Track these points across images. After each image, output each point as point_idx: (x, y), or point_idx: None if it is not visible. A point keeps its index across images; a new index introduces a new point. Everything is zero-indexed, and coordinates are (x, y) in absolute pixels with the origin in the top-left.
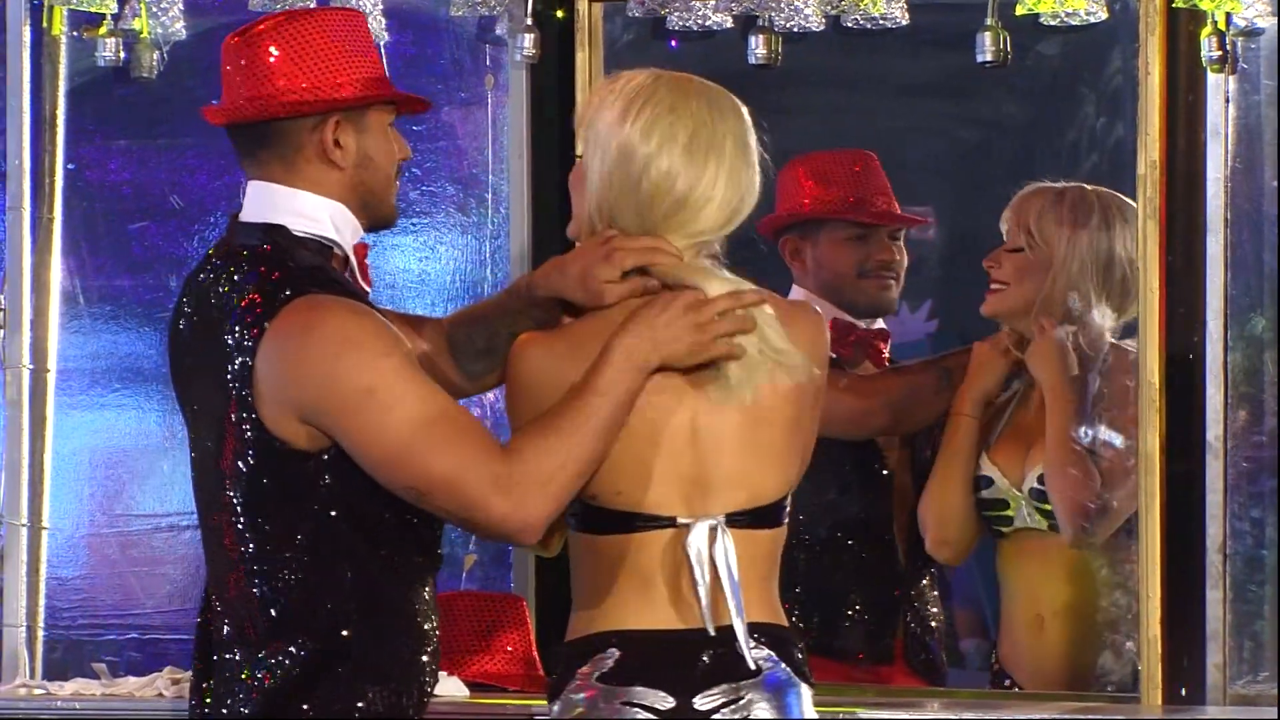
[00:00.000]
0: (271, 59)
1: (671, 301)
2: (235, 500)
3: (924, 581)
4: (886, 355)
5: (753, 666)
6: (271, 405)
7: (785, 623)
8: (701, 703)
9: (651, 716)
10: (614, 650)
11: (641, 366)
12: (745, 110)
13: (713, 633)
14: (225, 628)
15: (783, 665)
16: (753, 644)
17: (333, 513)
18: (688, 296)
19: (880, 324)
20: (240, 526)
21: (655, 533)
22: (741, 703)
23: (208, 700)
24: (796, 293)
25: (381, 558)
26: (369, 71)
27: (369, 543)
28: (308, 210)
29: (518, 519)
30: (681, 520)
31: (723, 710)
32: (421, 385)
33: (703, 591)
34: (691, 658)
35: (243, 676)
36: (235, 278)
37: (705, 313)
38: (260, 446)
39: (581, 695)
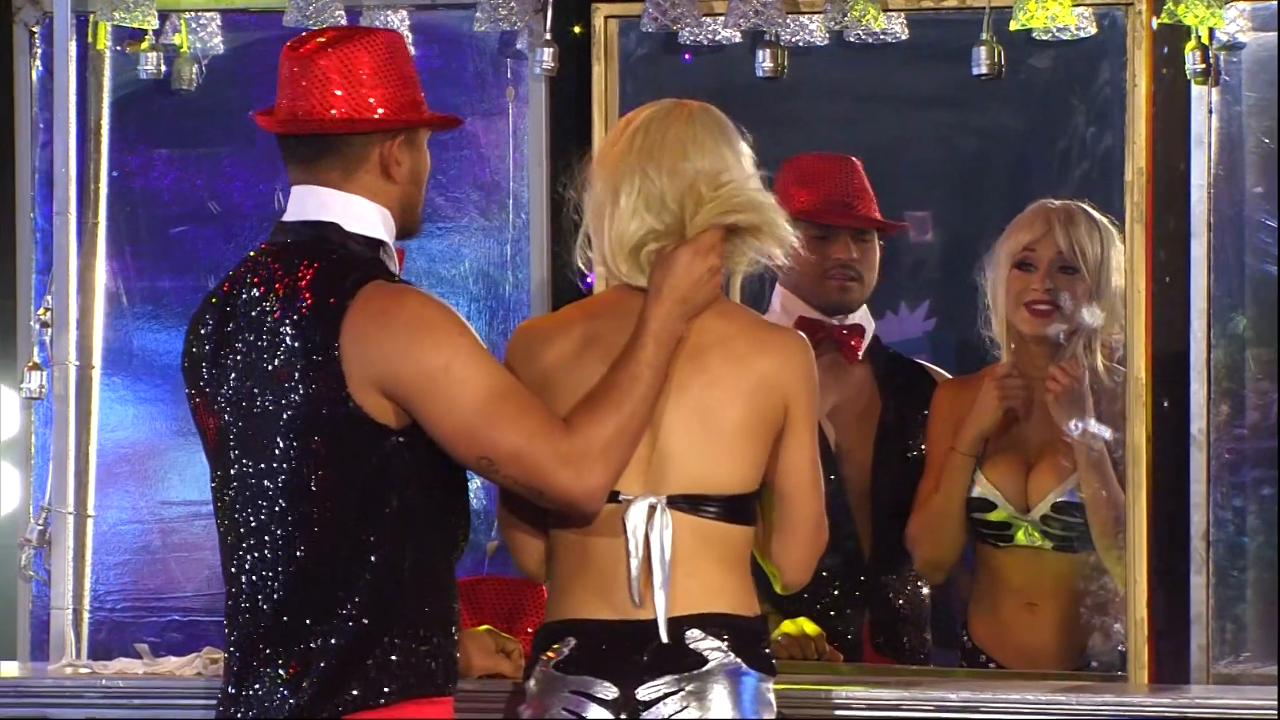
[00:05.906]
0: (351, 76)
1: (676, 261)
2: (317, 475)
3: (901, 567)
4: (860, 352)
5: (666, 640)
6: (358, 382)
7: (752, 613)
8: (644, 693)
9: (597, 705)
10: (571, 639)
11: (676, 334)
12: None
13: (636, 601)
14: (273, 605)
15: (733, 655)
16: (700, 635)
17: (409, 488)
18: (685, 251)
19: (855, 320)
20: (317, 500)
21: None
22: (683, 693)
23: (255, 684)
24: (778, 291)
25: (437, 537)
26: (420, 94)
27: (433, 521)
28: (362, 213)
29: (581, 488)
30: (623, 496)
31: (666, 700)
32: (491, 364)
33: (634, 565)
34: (637, 648)
35: (298, 648)
36: (296, 269)
37: (706, 255)
38: (349, 421)
39: (537, 680)
